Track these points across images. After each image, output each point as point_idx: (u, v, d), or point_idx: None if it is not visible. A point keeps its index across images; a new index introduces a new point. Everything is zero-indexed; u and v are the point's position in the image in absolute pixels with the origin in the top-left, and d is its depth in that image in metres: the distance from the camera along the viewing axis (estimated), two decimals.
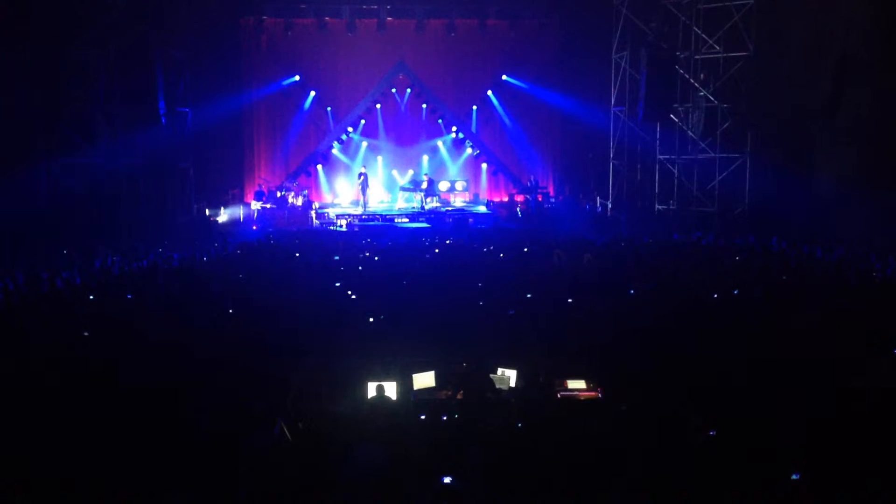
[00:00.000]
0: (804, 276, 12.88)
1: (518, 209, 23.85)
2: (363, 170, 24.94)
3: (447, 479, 5.19)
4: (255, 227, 22.47)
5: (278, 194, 23.69)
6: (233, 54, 24.43)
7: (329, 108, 26.00)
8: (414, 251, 16.77)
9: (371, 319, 10.23)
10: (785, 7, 19.93)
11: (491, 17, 24.94)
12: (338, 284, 12.57)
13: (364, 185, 24.60)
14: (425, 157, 26.56)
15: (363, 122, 26.13)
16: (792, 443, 5.88)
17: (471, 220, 23.21)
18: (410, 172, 26.30)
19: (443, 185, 26.07)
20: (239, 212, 23.81)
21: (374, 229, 21.72)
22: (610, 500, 5.13)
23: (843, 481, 5.32)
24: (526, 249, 16.61)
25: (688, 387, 7.20)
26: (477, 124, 26.68)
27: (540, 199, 24.31)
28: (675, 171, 21.26)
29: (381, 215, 23.79)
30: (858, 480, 5.34)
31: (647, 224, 20.60)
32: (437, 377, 7.98)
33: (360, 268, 14.66)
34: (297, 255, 16.40)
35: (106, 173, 19.43)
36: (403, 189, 25.75)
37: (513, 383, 7.89)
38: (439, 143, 26.75)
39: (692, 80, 20.73)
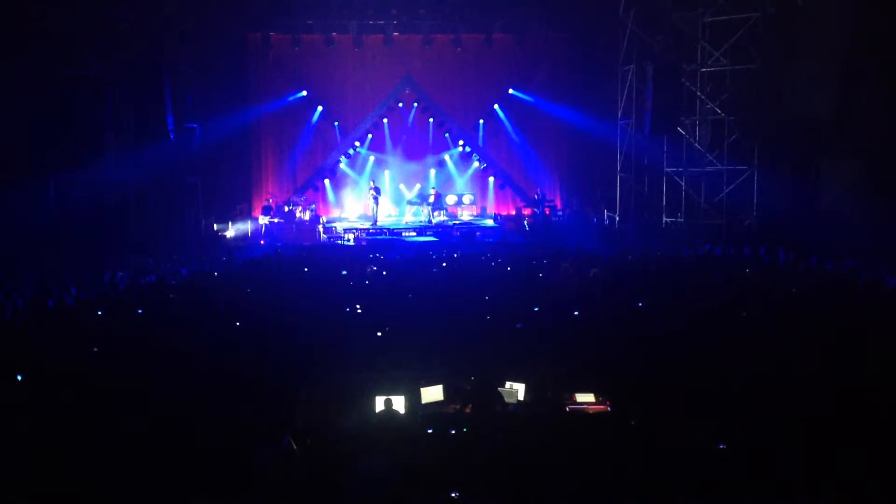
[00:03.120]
0: (814, 289, 12.79)
1: (525, 223, 23.84)
2: (372, 184, 24.99)
3: (455, 494, 5.15)
4: (262, 242, 22.52)
5: (286, 209, 23.77)
6: (240, 70, 24.61)
7: (336, 123, 26.12)
8: (421, 265, 16.75)
9: (379, 333, 10.20)
10: (791, 19, 19.93)
11: (497, 31, 25.01)
12: (348, 308, 12.49)
13: (376, 199, 24.66)
14: (432, 171, 26.61)
15: (370, 136, 26.25)
16: (801, 458, 5.82)
17: (478, 233, 23.21)
18: (418, 186, 26.34)
19: (450, 199, 26.05)
20: (247, 226, 23.89)
21: (381, 243, 21.72)
22: None
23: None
24: (534, 262, 16.57)
25: (696, 400, 7.14)
26: (484, 138, 26.72)
27: (547, 212, 24.34)
28: (683, 184, 21.24)
29: (388, 229, 23.79)
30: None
31: (655, 237, 20.54)
32: (445, 391, 7.94)
33: (367, 282, 14.65)
34: (306, 269, 16.40)
35: (114, 188, 19.48)
36: (411, 203, 25.80)
37: (521, 397, 7.85)
38: (446, 156, 26.80)
39: (699, 93, 20.74)
